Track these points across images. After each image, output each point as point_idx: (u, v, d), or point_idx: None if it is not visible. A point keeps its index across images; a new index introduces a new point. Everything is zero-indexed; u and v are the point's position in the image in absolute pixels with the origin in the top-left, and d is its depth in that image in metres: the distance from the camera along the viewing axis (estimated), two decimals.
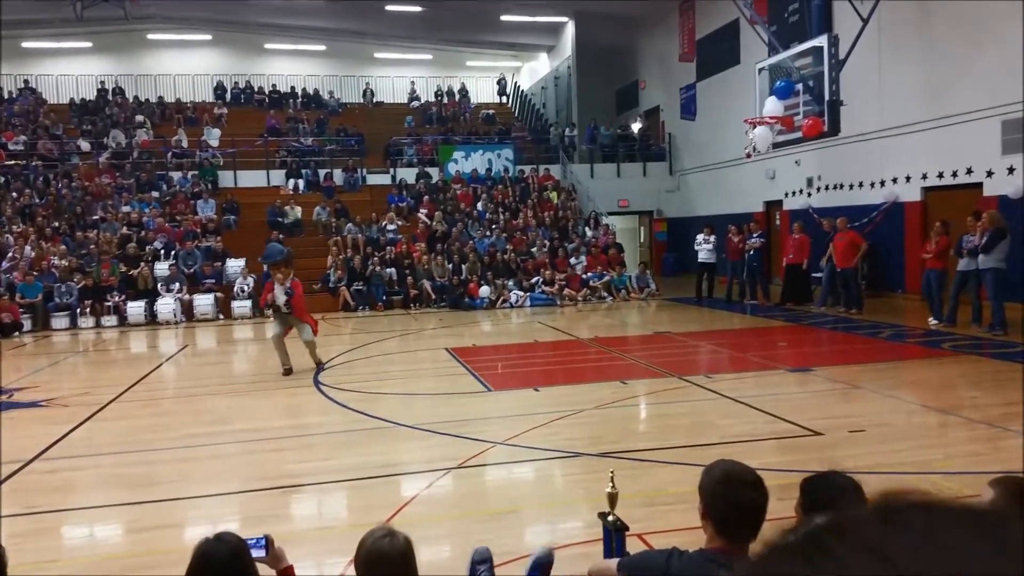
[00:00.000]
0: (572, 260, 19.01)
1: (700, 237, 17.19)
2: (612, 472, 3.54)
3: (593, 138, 25.28)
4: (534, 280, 18.16)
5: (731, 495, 2.31)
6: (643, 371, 9.45)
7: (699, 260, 17.29)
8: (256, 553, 2.71)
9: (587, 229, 20.75)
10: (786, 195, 19.35)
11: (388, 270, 18.22)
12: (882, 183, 16.06)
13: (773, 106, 15.11)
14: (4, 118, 23.97)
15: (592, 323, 14.73)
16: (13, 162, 21.68)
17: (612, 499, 3.43)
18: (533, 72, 32.83)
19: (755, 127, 15.30)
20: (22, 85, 26.95)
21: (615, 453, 5.99)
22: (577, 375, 9.60)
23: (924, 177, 14.99)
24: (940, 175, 14.58)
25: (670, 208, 24.67)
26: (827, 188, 17.73)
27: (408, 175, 23.18)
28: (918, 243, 14.24)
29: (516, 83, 32.34)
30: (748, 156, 16.73)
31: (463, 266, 18.33)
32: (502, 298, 17.57)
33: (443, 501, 5.37)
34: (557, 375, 9.71)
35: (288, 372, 10.21)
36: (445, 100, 29.73)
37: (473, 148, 24.34)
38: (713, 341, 11.76)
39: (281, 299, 10.10)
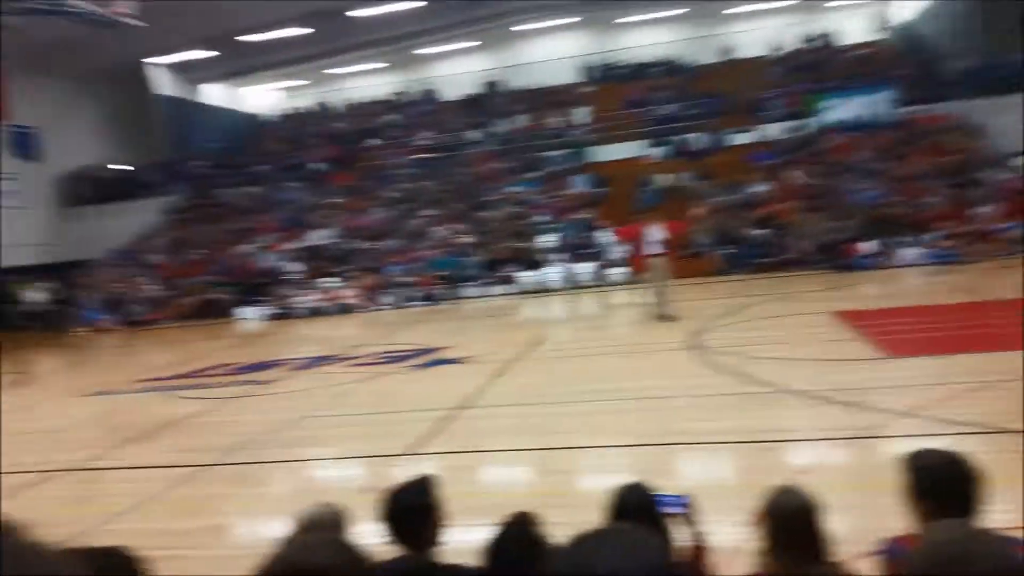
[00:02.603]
0: (977, 210, 16.49)
1: None
2: None
3: (999, 67, 21.38)
4: (929, 235, 16.14)
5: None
6: None
7: None
8: (676, 511, 2.62)
9: (994, 172, 17.79)
10: None
11: (760, 231, 17.65)
12: None
13: None
14: (412, 119, 28.11)
15: (1006, 282, 12.67)
16: (421, 155, 25.36)
17: None
18: (910, 3, 28.79)
19: None
20: (423, 89, 31.23)
21: None
22: (988, 341, 8.40)
23: None
24: None
25: None
26: None
27: (775, 130, 22.08)
28: None
29: (895, 14, 28.70)
30: None
31: (844, 223, 16.99)
32: (891, 256, 15.92)
33: (839, 471, 5.16)
34: (963, 341, 8.58)
35: (666, 318, 10.87)
36: (811, 46, 27.57)
37: (847, 93, 22.24)
38: None
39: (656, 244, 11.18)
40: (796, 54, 26.83)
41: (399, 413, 7.82)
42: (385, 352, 11.55)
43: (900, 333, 9.30)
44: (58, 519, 5.25)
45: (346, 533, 2.57)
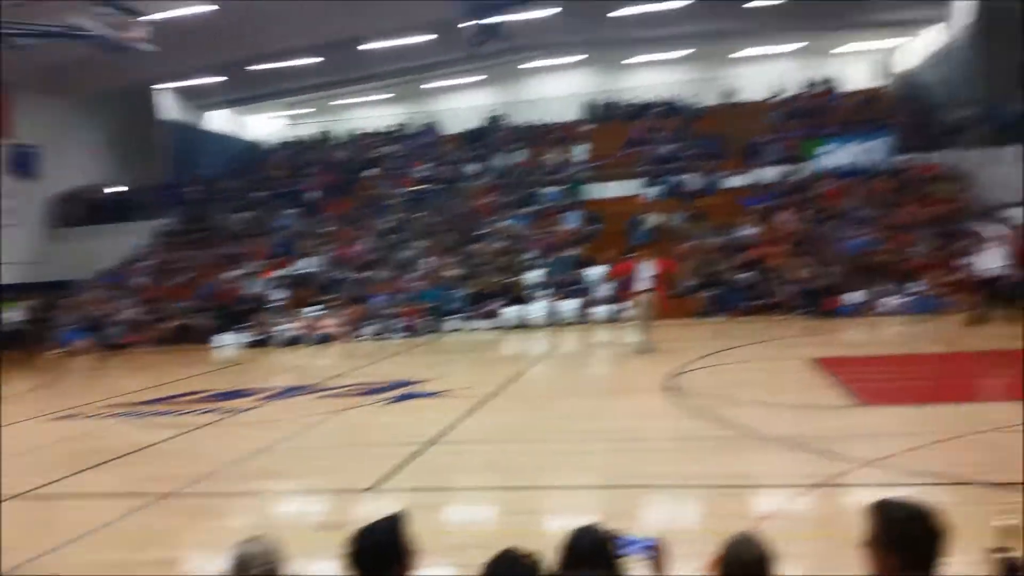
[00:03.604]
0: (964, 260, 16.53)
1: None
2: (1008, 506, 3.04)
3: (994, 118, 21.64)
4: (914, 284, 16.17)
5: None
6: None
7: None
8: (638, 554, 2.58)
9: (985, 223, 17.87)
10: None
11: (746, 275, 17.69)
12: None
13: None
14: (412, 150, 28.34)
15: (988, 333, 12.64)
16: (418, 187, 25.50)
17: (1010, 532, 2.93)
18: (916, 49, 29.25)
19: None
20: (425, 122, 31.56)
21: (1012, 484, 5.10)
22: (965, 392, 8.37)
23: None
24: None
25: None
26: None
27: (769, 174, 22.26)
28: None
29: (895, 64, 29.13)
30: None
31: (830, 269, 17.04)
32: (876, 305, 15.94)
33: (802, 519, 5.09)
34: (940, 391, 8.54)
35: (644, 351, 11.52)
36: (811, 91, 27.92)
37: (844, 139, 22.44)
38: None
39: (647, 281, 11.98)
40: (796, 99, 27.14)
41: (369, 447, 7.76)
42: (360, 384, 11.48)
43: (876, 381, 9.28)
44: (7, 546, 5.16)
45: (279, 569, 2.51)
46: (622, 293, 14.86)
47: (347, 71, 28.18)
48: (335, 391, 11.06)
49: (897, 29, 28.83)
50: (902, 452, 6.09)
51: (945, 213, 18.54)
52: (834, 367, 9.98)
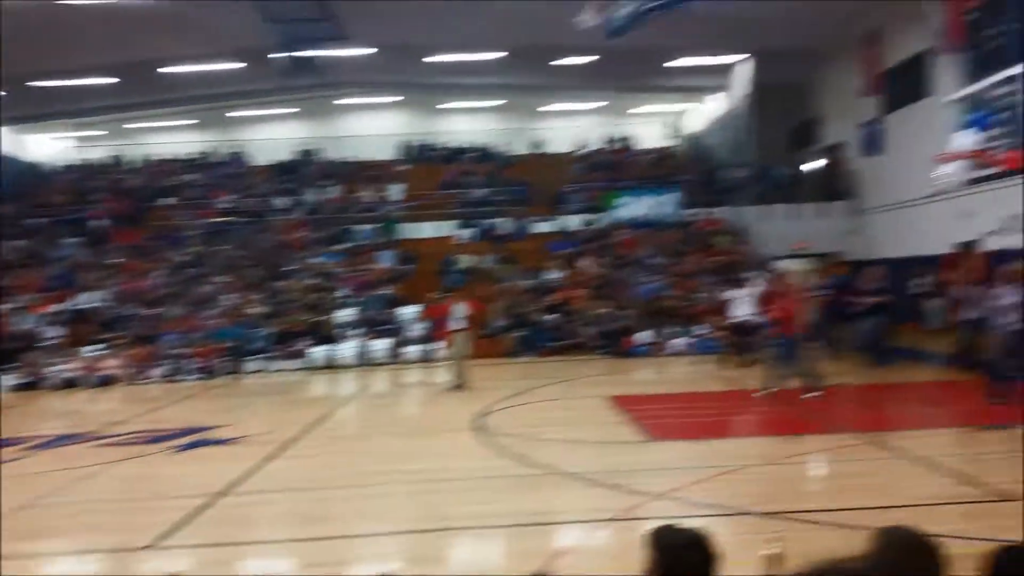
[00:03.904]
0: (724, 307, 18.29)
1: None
2: (778, 533, 3.30)
3: (767, 178, 24.35)
4: (700, 327, 17.61)
5: (905, 564, 2.09)
6: (817, 425, 8.83)
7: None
8: None
9: (759, 273, 19.90)
10: (984, 235, 17.57)
11: (551, 316, 18.39)
12: None
13: (968, 139, 13.92)
14: (216, 180, 26.90)
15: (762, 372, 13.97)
16: (221, 219, 24.20)
17: (776, 561, 3.18)
18: (702, 113, 32.29)
19: (948, 163, 14.13)
20: (232, 150, 30.14)
21: (783, 513, 5.61)
22: (744, 428, 9.15)
23: None
24: None
25: (852, 249, 23.14)
26: None
27: (573, 222, 23.48)
28: None
29: (684, 126, 31.98)
30: (941, 193, 15.43)
31: (625, 313, 18.15)
32: (666, 345, 17.17)
33: (599, 553, 5.27)
34: (722, 427, 9.30)
35: (458, 387, 12.17)
36: (611, 147, 29.91)
37: (638, 193, 24.22)
38: (896, 395, 10.80)
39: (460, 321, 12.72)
40: (598, 153, 28.89)
41: (150, 500, 7.08)
42: (144, 431, 10.52)
43: (665, 418, 9.92)
44: None
45: None
46: (436, 333, 15.06)
47: (146, 93, 26.34)
48: (115, 439, 10.06)
49: (686, 94, 31.72)
50: (688, 485, 6.50)
51: (725, 263, 20.43)
52: (628, 405, 10.57)
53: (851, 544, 2.33)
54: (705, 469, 7.01)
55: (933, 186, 15.34)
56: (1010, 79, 13.56)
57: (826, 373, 11.02)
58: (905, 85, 20.39)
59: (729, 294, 15.42)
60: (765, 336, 11.45)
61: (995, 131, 13.80)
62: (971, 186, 14.91)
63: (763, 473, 7.00)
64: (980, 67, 15.50)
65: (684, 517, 5.73)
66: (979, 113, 13.97)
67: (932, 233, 19.42)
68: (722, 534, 5.41)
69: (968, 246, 18.10)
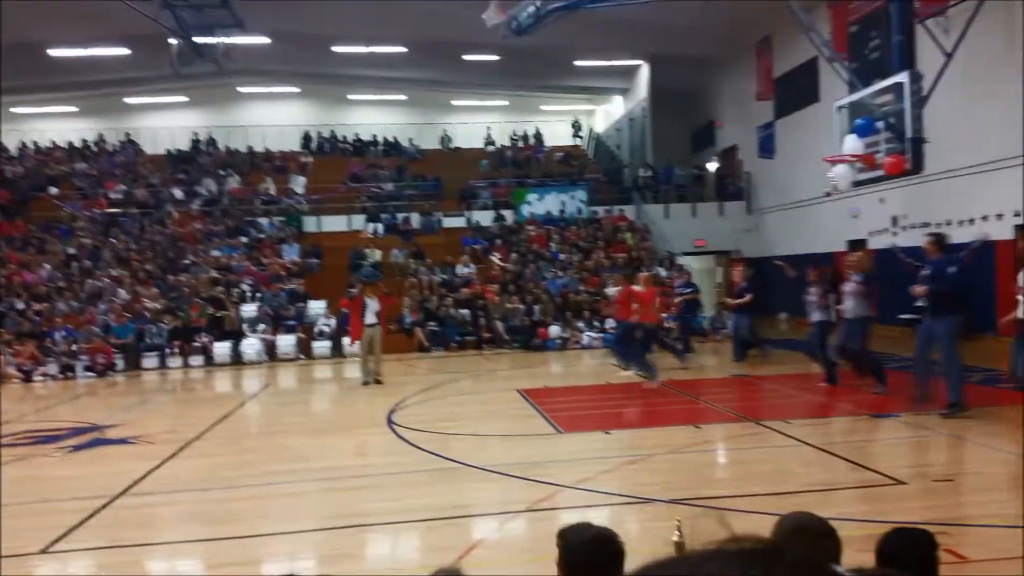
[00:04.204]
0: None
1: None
2: (679, 520, 3.46)
3: (668, 178, 25.18)
4: (606, 322, 18.04)
5: (803, 548, 2.23)
6: (718, 415, 9.23)
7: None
8: None
9: (661, 270, 20.55)
10: (870, 234, 18.75)
11: (462, 311, 18.44)
12: (971, 221, 15.41)
13: (853, 144, 14.76)
14: (106, 169, 25.58)
15: (665, 365, 14.46)
16: (113, 210, 23.05)
17: (679, 549, 3.34)
18: (607, 114, 33.04)
19: (835, 165, 14.96)
20: (124, 138, 28.73)
21: (687, 500, 5.85)
22: (649, 419, 9.45)
23: (1017, 215, 14.31)
24: None
25: (749, 247, 24.21)
26: (913, 226, 17.11)
27: (483, 218, 23.58)
28: (1010, 283, 13.53)
29: (590, 126, 32.60)
30: (828, 194, 16.33)
31: (536, 307, 18.38)
32: (574, 339, 17.50)
33: (512, 545, 5.35)
34: (629, 418, 9.59)
35: (374, 383, 12.19)
36: (520, 144, 30.18)
37: (547, 190, 24.57)
38: (792, 385, 11.39)
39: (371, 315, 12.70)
40: (507, 150, 29.09)
41: (41, 503, 6.71)
42: (32, 432, 9.96)
43: (573, 411, 10.14)
44: None
45: None
46: (350, 328, 14.79)
47: (31, 77, 24.77)
48: (1, 439, 9.46)
49: (590, 95, 32.39)
50: (597, 475, 6.68)
51: (630, 259, 20.97)
52: (538, 398, 10.74)
53: (755, 528, 2.48)
54: (613, 459, 7.22)
55: (822, 188, 16.20)
56: (890, 88, 14.47)
57: (663, 366, 11.99)
58: (796, 91, 21.46)
59: (609, 292, 15.95)
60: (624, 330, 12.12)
61: (877, 137, 14.71)
62: (857, 188, 15.84)
63: (668, 461, 7.26)
64: (864, 75, 16.49)
65: (594, 507, 5.90)
66: (863, 119, 14.82)
67: (822, 232, 20.56)
68: (632, 522, 5.61)
69: (856, 245, 19.24)
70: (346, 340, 17.00)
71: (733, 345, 14.32)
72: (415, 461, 7.60)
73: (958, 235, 15.60)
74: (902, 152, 14.06)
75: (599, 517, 5.76)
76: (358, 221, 23.44)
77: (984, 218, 15.07)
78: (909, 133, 14.01)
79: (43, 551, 5.37)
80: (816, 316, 10.83)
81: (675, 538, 3.36)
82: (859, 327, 9.83)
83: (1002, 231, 14.66)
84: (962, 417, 8.14)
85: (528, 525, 5.65)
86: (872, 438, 8.04)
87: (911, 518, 4.78)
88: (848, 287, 10.02)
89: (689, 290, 15.73)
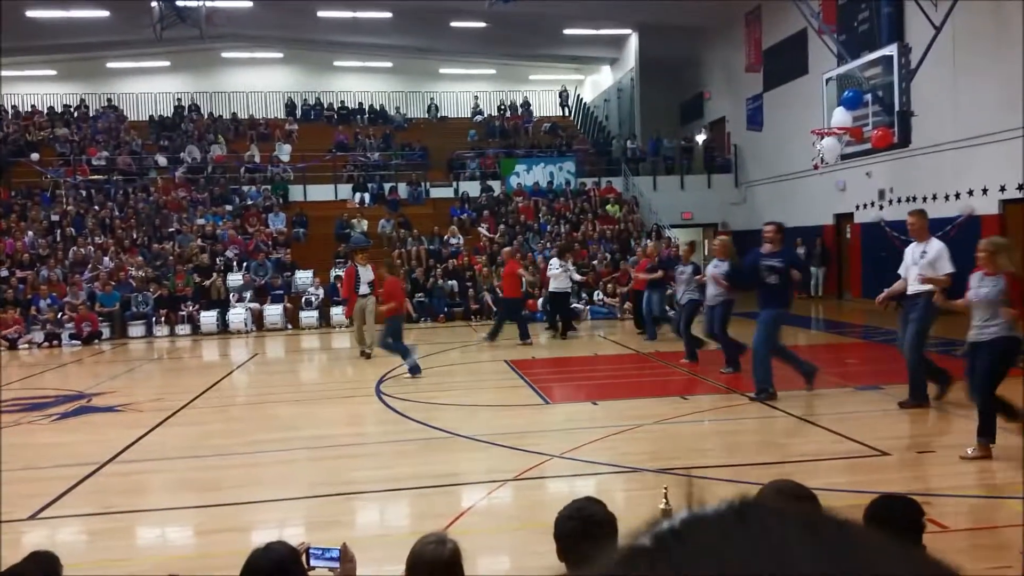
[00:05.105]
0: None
1: None
2: (666, 488, 3.51)
3: (656, 150, 25.12)
4: (595, 293, 18.08)
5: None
6: (705, 386, 9.32)
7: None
8: (325, 564, 2.65)
9: (649, 242, 20.57)
10: (857, 208, 18.84)
11: (450, 282, 18.40)
12: (957, 195, 15.51)
13: (841, 117, 14.78)
14: (88, 135, 25.19)
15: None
16: (96, 177, 22.74)
17: (667, 515, 3.39)
18: (595, 85, 32.81)
19: (823, 138, 14.98)
20: (105, 103, 28.26)
21: (674, 469, 5.92)
22: (637, 389, 9.53)
23: (1002, 189, 14.42)
24: (1020, 187, 13.99)
25: (736, 220, 24.28)
26: (899, 200, 17.20)
27: (471, 188, 23.43)
28: None
29: (578, 96, 32.37)
30: (816, 167, 16.37)
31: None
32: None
33: (500, 513, 5.41)
34: (616, 389, 9.65)
35: (364, 355, 11.91)
36: (508, 114, 29.95)
37: (535, 161, 24.44)
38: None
39: (364, 285, 12.32)
40: (495, 119, 28.84)
41: (30, 470, 6.70)
42: (20, 398, 9.93)
43: (561, 381, 10.21)
44: None
45: None
46: (344, 300, 14.65)
47: (5, 38, 24.23)
48: None
49: (579, 65, 32.09)
50: (584, 445, 6.74)
51: (618, 231, 20.97)
52: (524, 368, 10.80)
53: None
54: (600, 429, 7.30)
55: (810, 160, 16.23)
56: (878, 60, 14.47)
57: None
58: (785, 63, 21.38)
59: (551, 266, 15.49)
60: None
61: (866, 109, 14.74)
62: (844, 161, 15.89)
63: (654, 431, 7.34)
64: (853, 48, 16.46)
65: (583, 475, 5.98)
66: (852, 91, 14.83)
67: (810, 205, 20.62)
68: (619, 491, 5.69)
69: (843, 219, 19.33)
70: (334, 310, 16.96)
71: (645, 323, 13.72)
72: (404, 430, 7.64)
73: (944, 210, 15.72)
74: (890, 125, 14.09)
75: (587, 486, 5.83)
76: (344, 191, 23.26)
77: (970, 192, 15.17)
78: (897, 106, 14.04)
79: (31, 517, 5.38)
80: (686, 295, 10.89)
81: (662, 505, 3.42)
82: (720, 311, 9.78)
83: (987, 206, 14.77)
84: (768, 403, 8.07)
85: (516, 493, 5.71)
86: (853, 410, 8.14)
87: (895, 488, 4.87)
88: (709, 270, 9.92)
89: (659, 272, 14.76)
